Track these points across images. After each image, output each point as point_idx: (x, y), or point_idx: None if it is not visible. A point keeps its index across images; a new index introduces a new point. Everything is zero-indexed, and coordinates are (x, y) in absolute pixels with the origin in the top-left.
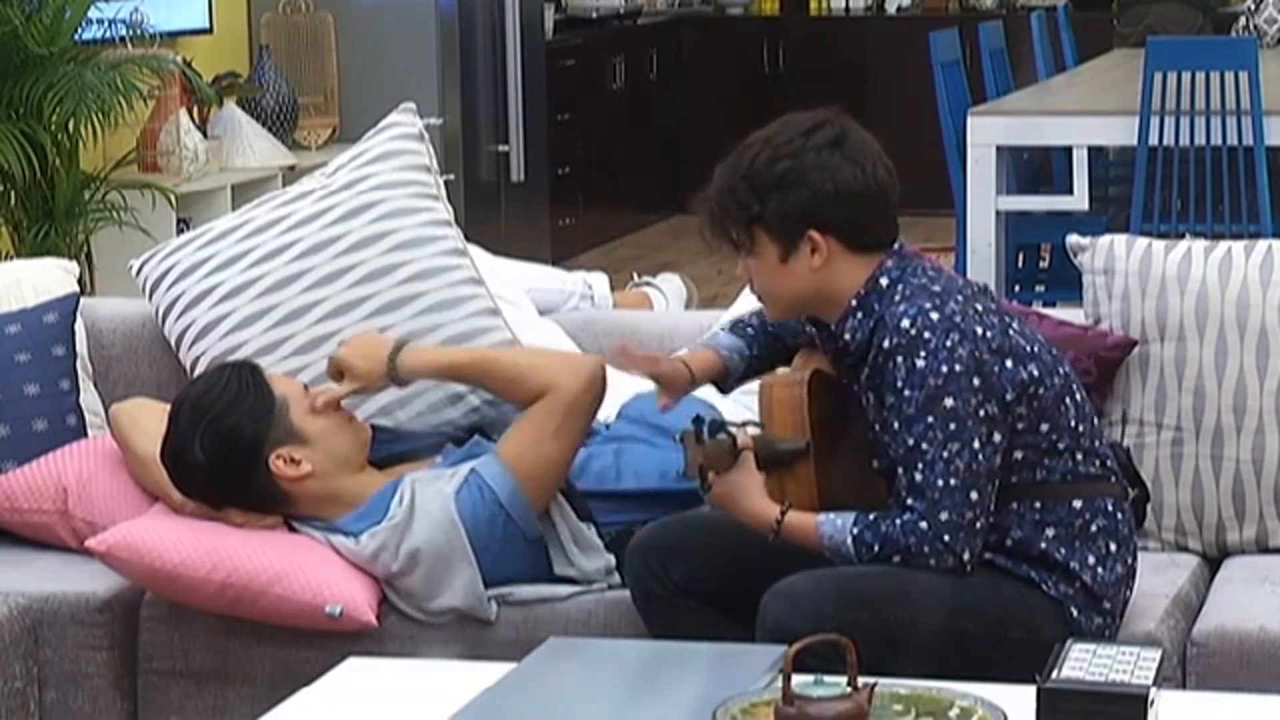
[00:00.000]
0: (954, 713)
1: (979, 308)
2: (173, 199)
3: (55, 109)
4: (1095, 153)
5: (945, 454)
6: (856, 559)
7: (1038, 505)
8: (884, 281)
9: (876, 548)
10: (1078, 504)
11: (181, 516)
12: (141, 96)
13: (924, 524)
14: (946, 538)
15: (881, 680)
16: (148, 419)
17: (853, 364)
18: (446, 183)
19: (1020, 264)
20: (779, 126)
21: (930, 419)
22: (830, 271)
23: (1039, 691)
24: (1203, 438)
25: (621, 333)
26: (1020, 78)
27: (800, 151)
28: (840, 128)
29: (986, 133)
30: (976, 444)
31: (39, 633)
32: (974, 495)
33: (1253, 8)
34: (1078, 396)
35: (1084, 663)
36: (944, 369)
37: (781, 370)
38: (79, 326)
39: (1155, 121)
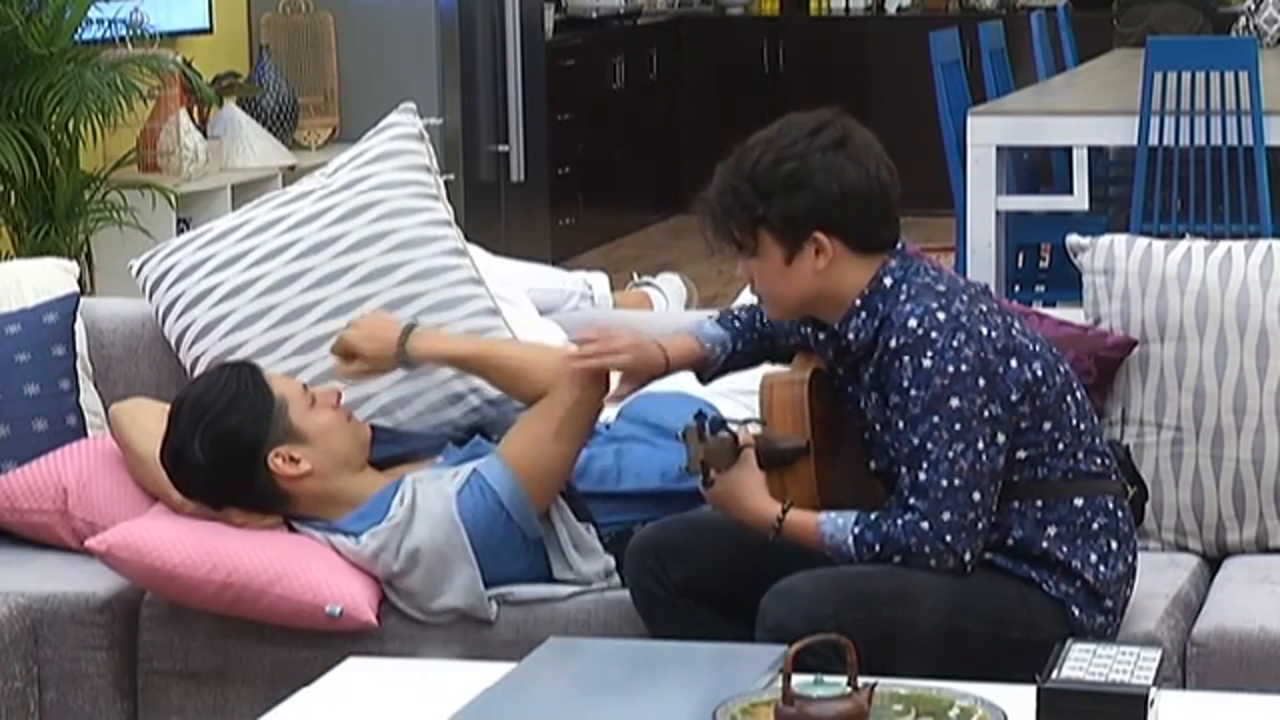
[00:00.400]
0: (954, 713)
1: (983, 308)
2: (173, 199)
3: (55, 109)
4: (1095, 153)
5: (950, 454)
6: (857, 558)
7: (1039, 504)
8: (888, 281)
9: (878, 547)
10: (1079, 502)
11: (181, 516)
12: (141, 96)
13: (925, 524)
14: (948, 538)
15: (881, 680)
16: (148, 419)
17: (853, 364)
18: (446, 183)
19: (1020, 264)
20: (781, 127)
21: (935, 418)
22: (834, 272)
23: (1039, 691)
24: (1203, 438)
25: None
26: (1020, 78)
27: (805, 153)
28: (843, 128)
29: (986, 133)
30: (980, 444)
31: (39, 633)
32: (976, 496)
33: (1253, 8)
34: (1078, 395)
35: (1084, 663)
36: (950, 369)
37: (781, 369)
38: (79, 326)
39: (1155, 121)
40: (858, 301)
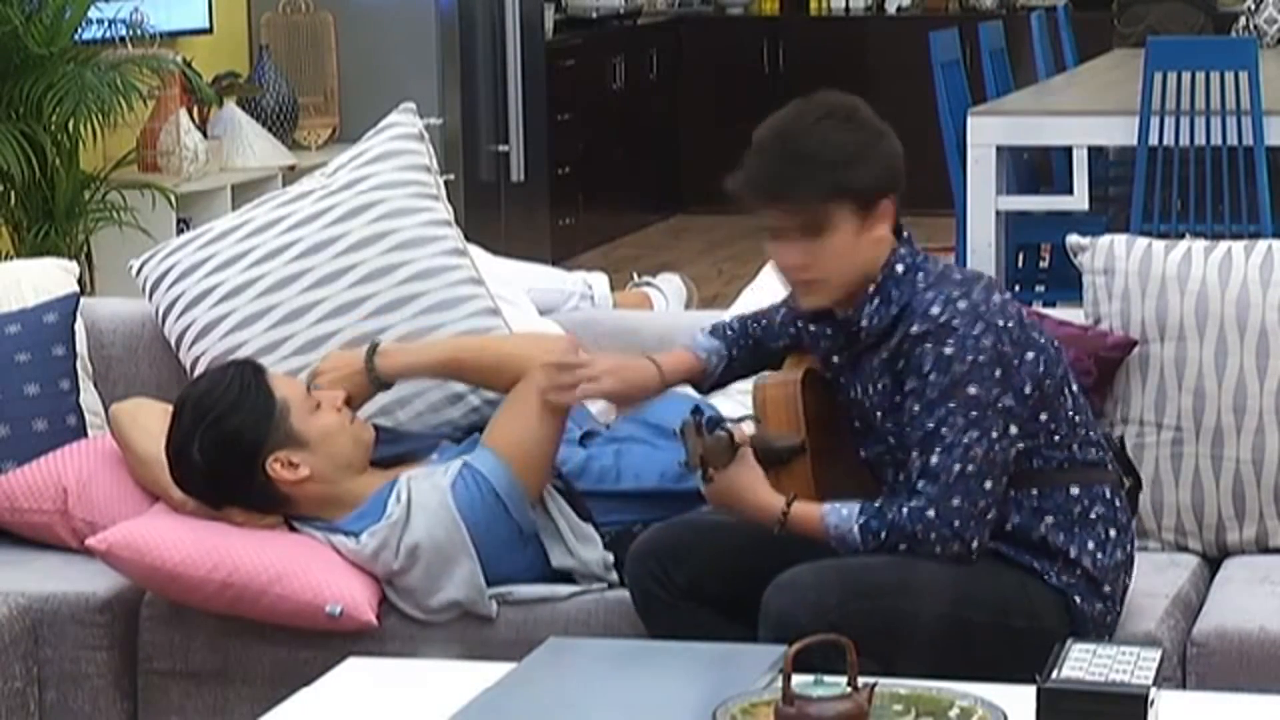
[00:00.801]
0: (954, 713)
1: (998, 298)
2: (173, 199)
3: (55, 109)
4: (1095, 153)
5: (965, 440)
6: (863, 547)
7: (1034, 492)
8: (900, 268)
9: (883, 535)
10: (1075, 490)
11: (182, 516)
12: (141, 96)
13: (932, 511)
14: (956, 523)
15: (881, 680)
16: (148, 419)
17: (859, 352)
18: (446, 183)
19: (1020, 264)
20: (817, 107)
21: (952, 404)
22: (880, 245)
23: (1039, 691)
24: (1203, 438)
25: (621, 333)
26: (1020, 78)
27: (864, 124)
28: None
29: (986, 133)
30: (995, 434)
31: (39, 633)
32: (988, 484)
33: (1253, 8)
34: (1074, 386)
35: (1084, 663)
36: (969, 357)
37: (772, 372)
38: (79, 326)
39: (1155, 121)
40: (871, 288)
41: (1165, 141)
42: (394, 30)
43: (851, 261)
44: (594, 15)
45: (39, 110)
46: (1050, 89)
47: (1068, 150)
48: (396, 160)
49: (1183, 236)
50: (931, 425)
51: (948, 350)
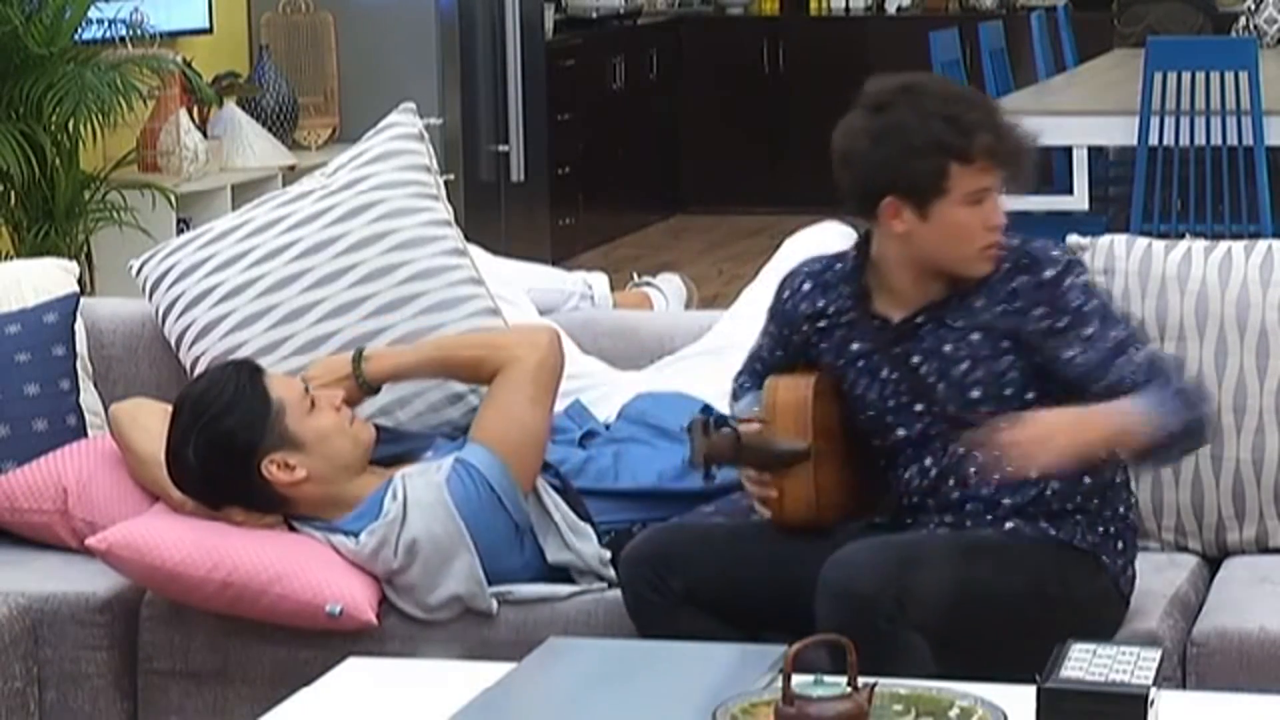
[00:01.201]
0: (954, 713)
1: None
2: (173, 199)
3: (55, 109)
4: (1095, 153)
5: (1137, 339)
6: (1187, 413)
7: None
8: None
9: (1185, 400)
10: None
11: (182, 515)
12: (141, 96)
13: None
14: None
15: (881, 680)
16: (148, 419)
17: (928, 320)
18: (446, 183)
19: None
20: (902, 91)
21: (1118, 318)
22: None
23: (1039, 691)
24: None
25: (621, 333)
26: (1020, 78)
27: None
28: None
29: None
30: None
31: (39, 633)
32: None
33: (1253, 8)
34: None
35: (1084, 663)
36: (1097, 287)
37: (784, 375)
38: (79, 326)
39: (1155, 121)
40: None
41: (1165, 141)
42: (394, 30)
43: None
44: (594, 15)
45: (39, 110)
46: (1050, 89)
47: (1068, 150)
48: (396, 160)
49: (1183, 236)
50: (1116, 334)
51: (1083, 279)
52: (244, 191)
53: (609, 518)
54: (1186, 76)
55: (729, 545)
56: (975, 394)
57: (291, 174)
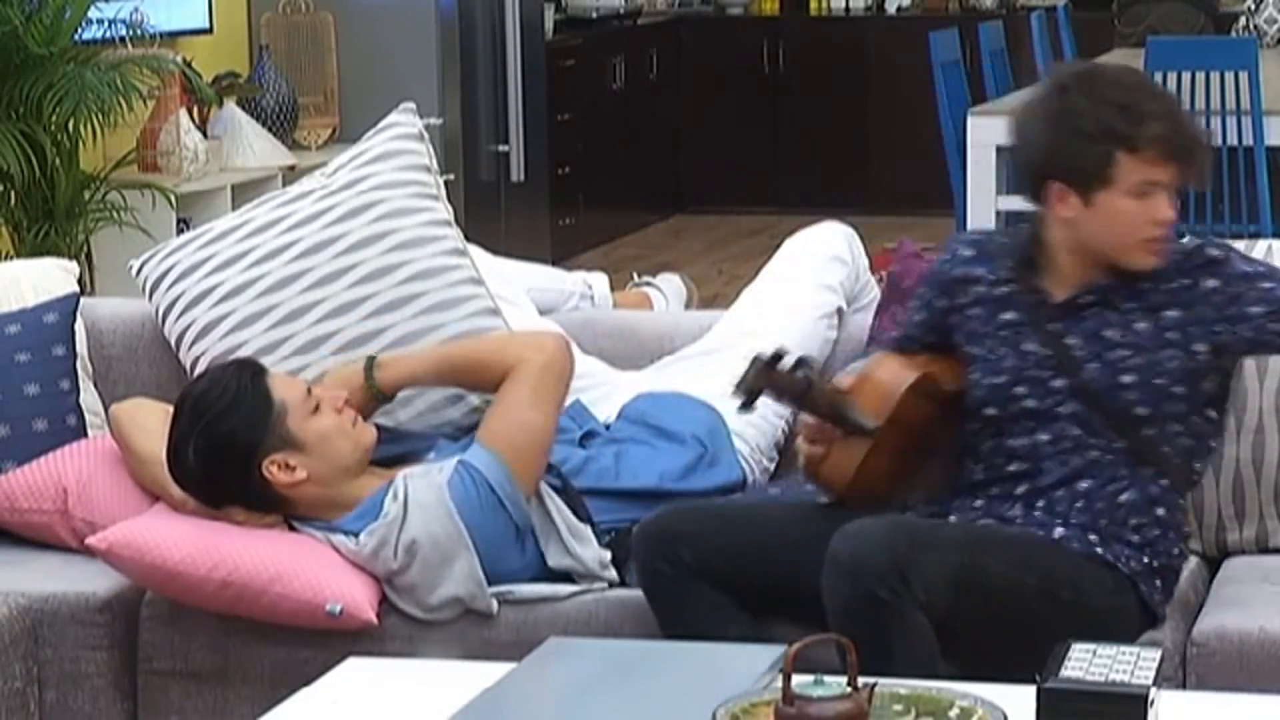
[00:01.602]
0: (954, 713)
1: None
2: (173, 199)
3: (55, 109)
4: None
5: None
6: None
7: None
8: None
9: None
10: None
11: (182, 515)
12: (141, 96)
13: None
14: None
15: (881, 680)
16: (148, 419)
17: (1093, 306)
18: (446, 183)
19: None
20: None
21: None
22: None
23: (1039, 691)
24: None
25: (621, 333)
26: (1020, 78)
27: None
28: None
29: (986, 133)
30: None
31: (39, 633)
32: None
33: (1253, 8)
34: None
35: (1084, 663)
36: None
37: (899, 357)
38: (79, 326)
39: None
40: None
41: None
42: (394, 30)
43: None
44: (594, 15)
45: (39, 110)
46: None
47: None
48: (396, 160)
49: (1183, 236)
50: None
51: (1247, 265)
52: (244, 191)
53: (609, 517)
54: (1186, 76)
55: (744, 523)
56: (1127, 379)
57: (291, 174)
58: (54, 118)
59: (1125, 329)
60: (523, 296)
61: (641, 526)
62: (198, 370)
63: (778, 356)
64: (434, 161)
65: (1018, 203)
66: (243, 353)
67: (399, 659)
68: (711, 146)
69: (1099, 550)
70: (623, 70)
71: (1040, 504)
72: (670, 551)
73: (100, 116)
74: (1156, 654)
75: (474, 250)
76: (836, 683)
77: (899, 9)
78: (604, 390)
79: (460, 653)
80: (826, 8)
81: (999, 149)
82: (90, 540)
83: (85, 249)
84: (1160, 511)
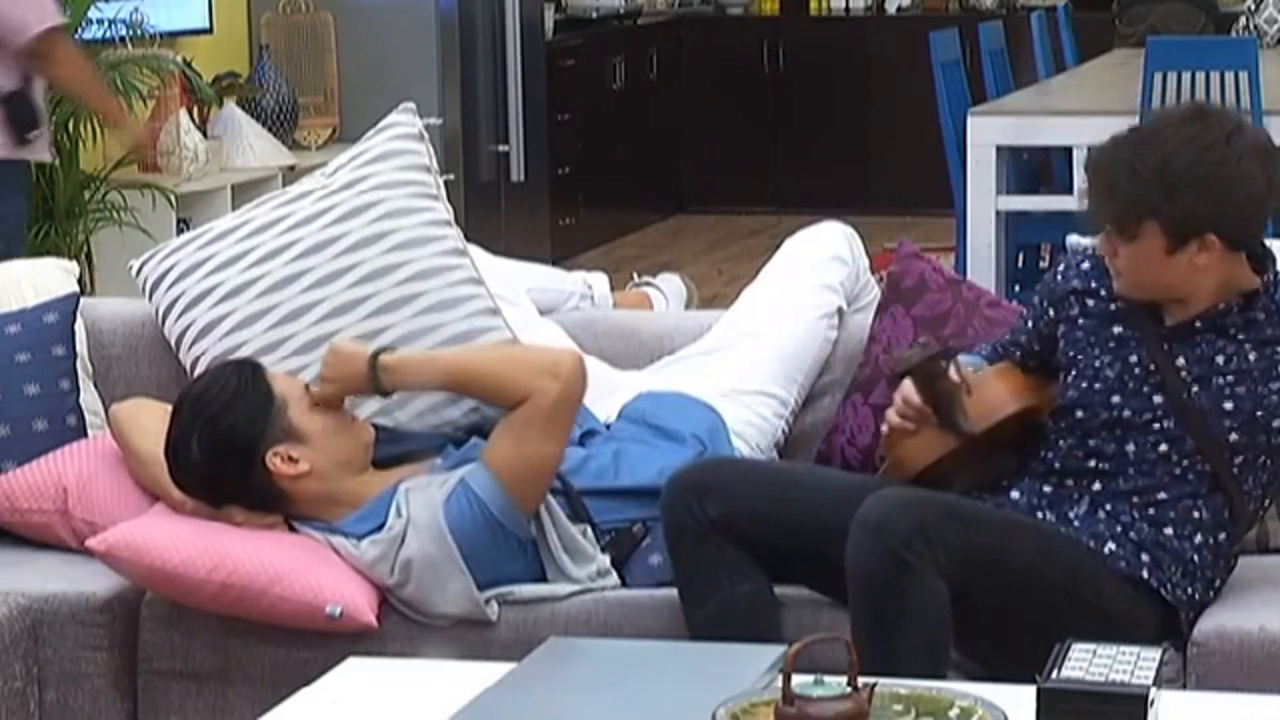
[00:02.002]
0: (954, 713)
1: None
2: (173, 199)
3: (55, 109)
4: None
5: None
6: None
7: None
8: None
9: None
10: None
11: (182, 516)
12: (141, 96)
13: None
14: None
15: (881, 680)
16: (148, 419)
17: (1206, 337)
18: (446, 183)
19: (1020, 264)
20: (1194, 122)
21: None
22: (1209, 268)
23: (1039, 691)
24: None
25: (621, 333)
26: (1020, 78)
27: (1225, 159)
28: (1252, 133)
29: (986, 133)
30: None
31: (39, 633)
32: None
33: (1253, 8)
34: None
35: (1084, 663)
36: None
37: (1019, 377)
38: (79, 326)
39: None
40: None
41: None
42: (394, 30)
43: (1162, 275)
44: (594, 15)
45: None
46: (1050, 89)
47: (1068, 150)
48: (396, 160)
49: None
50: None
51: None
52: (244, 191)
53: (609, 517)
54: (1186, 76)
55: (773, 484)
56: (1229, 405)
57: (291, 174)
58: (54, 118)
59: (1236, 357)
60: (523, 296)
61: (674, 476)
62: (198, 370)
63: (944, 351)
64: (434, 161)
65: (1018, 203)
66: (243, 353)
67: (399, 659)
68: (711, 146)
69: (1144, 575)
70: (623, 70)
71: (1107, 508)
72: (696, 504)
73: (100, 116)
74: (1156, 654)
75: (474, 250)
76: (836, 683)
77: (899, 9)
78: (604, 390)
79: (460, 653)
80: (826, 8)
81: (999, 149)
82: (90, 542)
83: (85, 249)
84: (1222, 537)
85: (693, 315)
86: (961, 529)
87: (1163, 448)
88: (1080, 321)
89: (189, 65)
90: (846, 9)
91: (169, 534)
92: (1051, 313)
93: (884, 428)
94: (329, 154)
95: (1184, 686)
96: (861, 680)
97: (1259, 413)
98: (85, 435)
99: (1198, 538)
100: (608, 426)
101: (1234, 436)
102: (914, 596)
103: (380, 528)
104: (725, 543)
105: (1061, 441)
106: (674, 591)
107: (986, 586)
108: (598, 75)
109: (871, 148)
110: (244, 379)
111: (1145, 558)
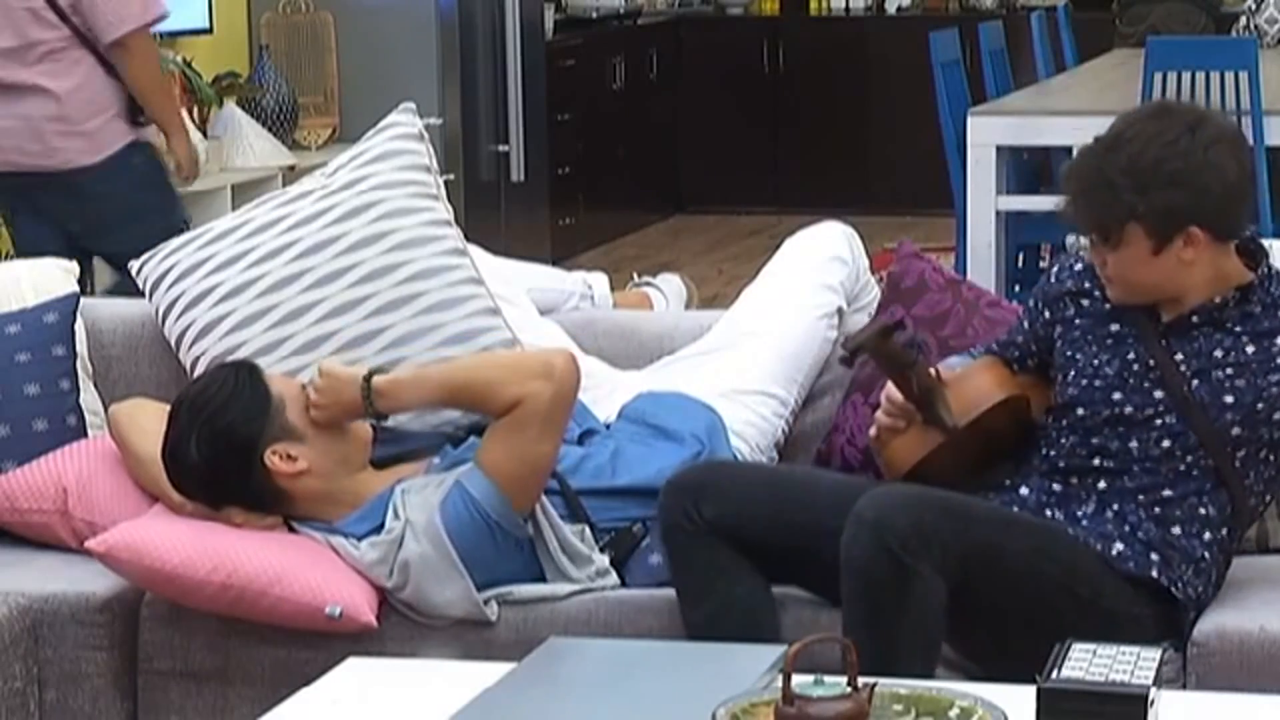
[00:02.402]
0: (954, 713)
1: None
2: None
3: None
4: None
5: None
6: None
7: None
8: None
9: None
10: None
11: (181, 517)
12: None
13: None
14: None
15: (881, 680)
16: (147, 419)
17: (1198, 330)
18: (446, 183)
19: (1020, 264)
20: (1158, 120)
21: None
22: (1197, 262)
23: (1039, 691)
24: None
25: (621, 333)
26: (1020, 78)
27: (1190, 150)
28: (1219, 123)
29: (986, 133)
30: None
31: (39, 633)
32: None
33: (1253, 8)
34: None
35: (1084, 663)
36: None
37: (1003, 370)
38: (79, 326)
39: None
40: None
41: None
42: (394, 30)
43: (1152, 274)
44: (594, 15)
45: None
46: (1050, 89)
47: (1068, 150)
48: (396, 160)
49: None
50: None
51: None
52: (244, 191)
53: (607, 516)
54: (1186, 76)
55: (769, 486)
56: (1229, 399)
57: (291, 174)
58: None
59: (1234, 350)
60: (523, 296)
61: (670, 479)
62: (198, 370)
63: (898, 325)
64: (434, 161)
65: (1018, 203)
66: (242, 353)
67: (399, 659)
68: (711, 146)
69: (1154, 574)
70: (623, 70)
71: (1115, 507)
72: (692, 506)
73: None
74: (1156, 654)
75: (474, 250)
76: (836, 683)
77: (899, 9)
78: (604, 390)
79: (460, 653)
80: (826, 8)
81: (999, 149)
82: (89, 543)
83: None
84: (1225, 533)
85: (693, 315)
86: (959, 525)
87: (1166, 443)
88: (1077, 322)
89: (189, 65)
90: (846, 9)
91: (168, 535)
92: (1047, 314)
93: (872, 430)
94: (329, 154)
95: (1184, 686)
96: (861, 680)
97: (1259, 405)
98: (85, 435)
99: (1206, 535)
100: (607, 426)
101: (1236, 430)
102: (908, 594)
103: (379, 528)
104: (721, 545)
105: (1064, 440)
106: (674, 591)
107: (984, 583)
108: (598, 75)
109: (871, 148)
110: (241, 379)
111: (1155, 557)
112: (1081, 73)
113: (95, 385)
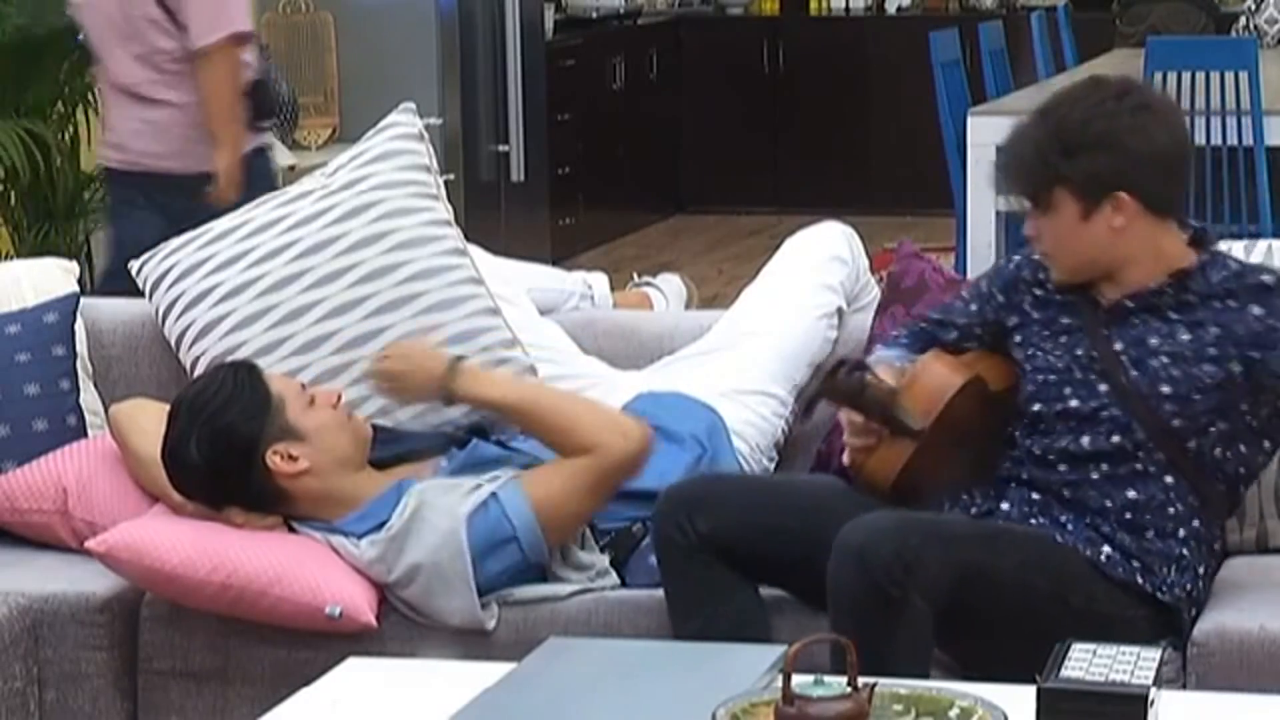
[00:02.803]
0: (954, 713)
1: None
2: None
3: (54, 106)
4: None
5: None
6: None
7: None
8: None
9: None
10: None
11: (181, 517)
12: None
13: None
14: None
15: (881, 680)
16: (146, 419)
17: (1141, 321)
18: (446, 183)
19: None
20: (1087, 87)
21: None
22: (1129, 232)
23: (1039, 691)
24: None
25: (621, 333)
26: (1020, 78)
27: (1115, 113)
28: (1148, 92)
29: (986, 133)
30: None
31: (39, 633)
32: None
33: (1253, 8)
34: None
35: (1084, 663)
36: None
37: (949, 356)
38: (79, 326)
39: None
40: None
41: None
42: (394, 30)
43: (1084, 244)
44: (594, 15)
45: (42, 110)
46: (1050, 89)
47: None
48: (396, 160)
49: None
50: None
51: None
52: None
53: (608, 517)
54: (1186, 76)
55: (767, 498)
56: (1165, 389)
57: (291, 174)
58: (55, 117)
59: (1169, 339)
60: (523, 296)
61: (666, 491)
62: (198, 370)
63: (839, 365)
64: (434, 161)
65: (1017, 203)
66: (242, 353)
67: (399, 659)
68: (711, 146)
69: (1139, 580)
70: (623, 70)
71: (1087, 519)
72: (686, 520)
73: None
74: (1156, 654)
75: (474, 250)
76: (836, 683)
77: (899, 9)
78: (604, 390)
79: (460, 653)
80: (826, 8)
81: (999, 149)
82: (89, 544)
83: (85, 249)
84: (1197, 524)
85: (693, 315)
86: (944, 548)
87: (1115, 438)
88: (1034, 315)
89: None
90: (846, 9)
91: (168, 535)
92: (1001, 298)
93: (845, 457)
94: (329, 154)
95: (1184, 686)
96: (861, 680)
97: (1195, 395)
98: (85, 435)
99: (1180, 531)
100: None
101: (1176, 421)
102: (895, 623)
103: (380, 528)
104: (714, 561)
105: (1027, 440)
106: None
107: (976, 601)
108: (598, 75)
109: (871, 148)
110: (240, 379)
111: (1136, 564)
112: (1081, 73)
113: (95, 385)
